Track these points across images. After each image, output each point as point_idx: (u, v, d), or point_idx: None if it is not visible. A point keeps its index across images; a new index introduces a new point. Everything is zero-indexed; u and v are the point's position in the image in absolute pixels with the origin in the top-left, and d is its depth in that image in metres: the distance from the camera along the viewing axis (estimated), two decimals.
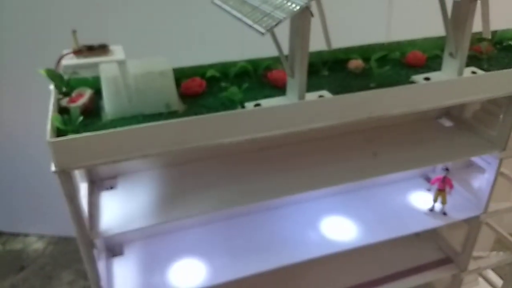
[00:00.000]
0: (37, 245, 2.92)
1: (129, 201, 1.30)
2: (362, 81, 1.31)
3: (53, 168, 0.98)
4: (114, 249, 1.52)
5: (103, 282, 1.28)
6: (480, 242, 2.12)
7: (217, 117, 1.07)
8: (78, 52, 1.26)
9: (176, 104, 1.16)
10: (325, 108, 1.15)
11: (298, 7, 0.95)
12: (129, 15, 2.18)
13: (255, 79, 1.32)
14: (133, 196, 1.33)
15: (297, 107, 1.14)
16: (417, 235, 1.94)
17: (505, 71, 1.30)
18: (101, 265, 1.38)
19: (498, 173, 1.62)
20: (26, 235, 2.99)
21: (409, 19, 2.22)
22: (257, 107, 1.13)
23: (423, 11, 1.81)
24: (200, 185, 1.37)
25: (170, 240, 1.56)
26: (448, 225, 1.66)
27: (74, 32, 1.30)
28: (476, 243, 1.91)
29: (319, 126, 1.16)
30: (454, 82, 1.25)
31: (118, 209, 1.26)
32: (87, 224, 1.15)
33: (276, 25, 0.92)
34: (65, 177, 1.02)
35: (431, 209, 1.64)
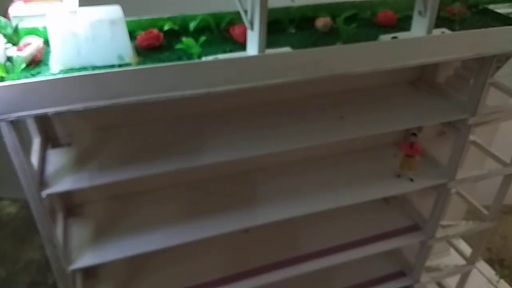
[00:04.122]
0: (10, 209, 2.88)
1: (84, 159, 1.26)
2: (328, 39, 1.26)
3: None
4: (74, 209, 1.48)
5: (60, 241, 1.25)
6: (452, 213, 2.14)
7: (169, 68, 1.02)
8: (29, 0, 1.19)
9: (130, 56, 1.11)
10: (284, 63, 1.11)
11: None
12: None
13: (216, 34, 1.26)
14: (89, 153, 1.29)
15: (256, 61, 1.09)
16: (387, 203, 1.93)
17: (472, 31, 1.26)
18: (58, 224, 1.36)
19: (469, 141, 1.60)
20: None
21: None
22: (211, 60, 1.09)
23: None
24: (162, 144, 1.33)
25: (132, 201, 1.52)
26: (415, 191, 1.65)
27: None
28: (446, 212, 1.91)
29: (279, 82, 1.12)
30: (419, 41, 1.20)
31: (72, 165, 1.23)
32: (36, 178, 1.12)
33: None
34: (8, 127, 0.98)
35: (399, 175, 1.62)
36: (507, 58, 1.52)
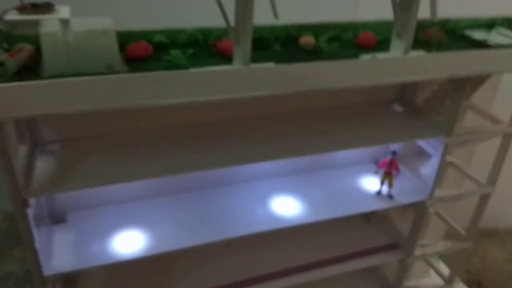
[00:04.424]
0: None
1: (70, 165, 1.28)
2: (311, 57, 1.32)
3: None
4: (57, 216, 1.49)
5: (42, 246, 1.26)
6: (431, 234, 2.17)
7: (155, 76, 1.06)
8: (22, 8, 1.23)
9: (118, 65, 1.14)
10: (267, 76, 1.16)
11: None
12: None
13: (204, 48, 1.31)
14: (75, 160, 1.31)
15: (240, 73, 1.14)
16: (368, 220, 1.96)
17: (447, 53, 1.33)
18: (42, 231, 1.37)
19: (446, 161, 1.65)
20: None
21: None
22: (197, 70, 1.13)
23: None
24: (146, 152, 1.36)
25: (115, 211, 1.54)
26: (394, 209, 1.69)
27: None
28: (425, 232, 1.95)
29: (261, 94, 1.17)
30: (396, 61, 1.27)
31: (57, 170, 1.24)
32: (21, 182, 1.13)
33: None
34: None
35: (378, 192, 1.66)
36: (482, 82, 1.59)
